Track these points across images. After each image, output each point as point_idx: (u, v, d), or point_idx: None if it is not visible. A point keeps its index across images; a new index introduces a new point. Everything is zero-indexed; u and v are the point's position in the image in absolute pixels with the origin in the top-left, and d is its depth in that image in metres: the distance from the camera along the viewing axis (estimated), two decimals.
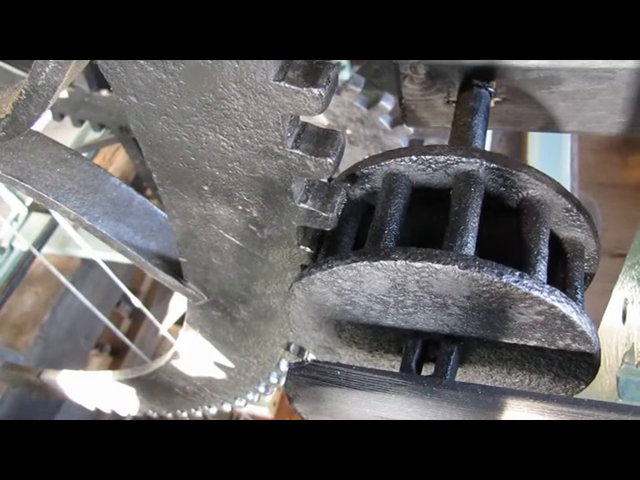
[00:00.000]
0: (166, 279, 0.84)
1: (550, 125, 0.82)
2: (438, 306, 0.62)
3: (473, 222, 0.62)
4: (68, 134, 2.54)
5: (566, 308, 0.58)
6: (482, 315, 0.61)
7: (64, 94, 2.13)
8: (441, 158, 0.65)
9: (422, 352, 0.67)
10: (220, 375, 1.07)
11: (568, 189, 0.66)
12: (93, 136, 2.56)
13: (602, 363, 0.64)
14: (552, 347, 0.63)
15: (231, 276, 0.79)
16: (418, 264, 0.57)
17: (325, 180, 0.62)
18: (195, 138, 0.57)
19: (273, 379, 1.02)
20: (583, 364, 0.65)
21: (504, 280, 0.56)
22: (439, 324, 0.64)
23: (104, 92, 2.05)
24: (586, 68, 0.73)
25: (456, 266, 0.56)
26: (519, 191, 0.66)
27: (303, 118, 0.57)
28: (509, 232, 0.67)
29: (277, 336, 0.90)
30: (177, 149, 0.59)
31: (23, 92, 0.51)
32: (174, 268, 0.83)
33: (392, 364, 0.75)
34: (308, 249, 0.69)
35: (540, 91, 0.78)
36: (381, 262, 0.57)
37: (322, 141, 0.56)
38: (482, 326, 0.63)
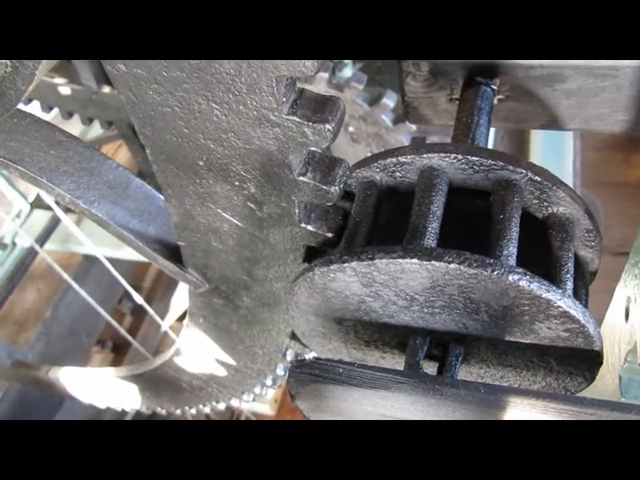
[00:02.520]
0: (165, 265, 0.82)
1: (553, 123, 0.82)
2: (468, 311, 0.61)
3: (516, 232, 0.62)
4: (71, 131, 2.53)
5: (592, 328, 0.59)
6: (508, 324, 0.61)
7: (67, 91, 2.13)
8: (488, 162, 0.64)
9: (429, 350, 0.67)
10: (226, 368, 1.05)
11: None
12: (95, 133, 2.57)
13: (604, 362, 0.64)
14: (561, 361, 0.65)
15: (231, 260, 0.77)
16: (472, 270, 0.56)
17: (325, 150, 0.60)
18: (187, 107, 0.54)
19: (280, 371, 1.00)
20: (579, 378, 0.66)
21: (549, 296, 0.56)
22: (459, 326, 0.64)
23: (106, 89, 2.05)
24: (590, 66, 0.72)
25: (510, 277, 0.56)
26: (550, 206, 0.67)
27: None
28: (528, 243, 0.66)
29: (282, 324, 0.87)
30: (169, 121, 0.57)
31: (8, 64, 0.49)
32: (174, 253, 0.81)
33: (383, 356, 0.74)
34: (310, 227, 0.66)
35: (543, 89, 0.78)
36: (433, 263, 0.56)
37: (320, 107, 0.53)
38: (502, 333, 0.63)
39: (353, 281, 0.62)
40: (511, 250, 0.61)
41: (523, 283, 0.56)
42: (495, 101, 0.79)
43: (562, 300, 0.57)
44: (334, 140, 0.54)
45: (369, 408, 0.59)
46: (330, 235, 0.67)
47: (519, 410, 0.53)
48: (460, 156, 0.64)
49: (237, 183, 0.62)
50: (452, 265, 0.56)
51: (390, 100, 1.67)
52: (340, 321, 0.70)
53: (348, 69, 1.94)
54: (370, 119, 1.72)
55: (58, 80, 2.10)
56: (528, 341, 0.63)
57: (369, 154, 0.71)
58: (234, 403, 1.17)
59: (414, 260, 0.57)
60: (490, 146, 1.09)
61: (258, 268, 0.77)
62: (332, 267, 0.61)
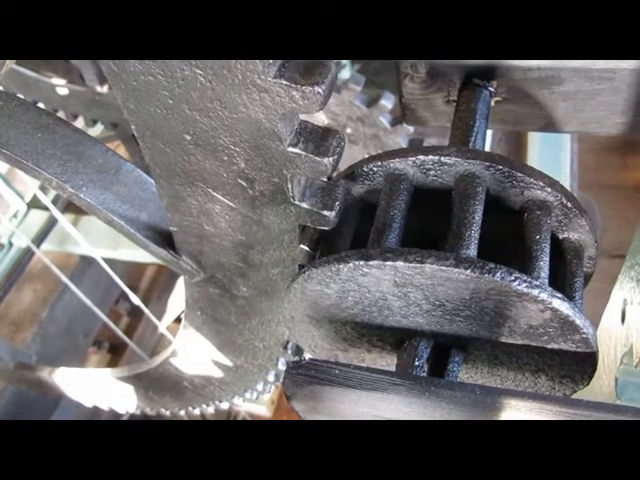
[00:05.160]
0: (158, 252, 0.80)
1: (550, 125, 0.82)
2: (492, 324, 0.61)
3: (548, 254, 0.63)
4: None
5: (597, 355, 0.61)
6: (525, 341, 0.62)
7: (64, 91, 2.13)
8: (529, 179, 0.64)
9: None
10: (227, 365, 1.04)
11: (567, 189, 0.67)
12: (93, 133, 2.57)
13: (600, 364, 0.64)
14: (550, 378, 0.66)
15: (225, 245, 0.74)
16: (520, 289, 0.56)
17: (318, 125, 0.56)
18: (170, 75, 0.52)
19: (281, 366, 0.98)
20: (559, 391, 0.67)
21: (579, 322, 0.58)
22: (472, 335, 0.64)
23: (105, 88, 2.05)
24: (587, 68, 0.73)
25: (554, 301, 0.56)
26: (568, 231, 0.68)
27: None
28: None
29: (281, 314, 0.83)
30: (152, 91, 0.54)
31: None
32: (167, 241, 0.79)
33: (370, 349, 0.73)
34: (305, 205, 0.62)
35: (541, 91, 0.78)
36: (485, 277, 0.56)
37: (310, 70, 0.49)
38: (513, 348, 0.64)
39: (387, 279, 0.60)
40: (547, 272, 0.62)
41: (563, 307, 0.57)
42: (492, 103, 0.79)
43: (587, 328, 0.59)
44: (324, 105, 0.51)
45: (365, 410, 0.59)
46: (326, 213, 0.63)
47: (515, 412, 0.53)
48: (505, 168, 0.63)
49: (226, 158, 0.59)
50: (503, 282, 0.56)
51: (388, 102, 1.67)
52: (344, 312, 0.68)
53: (346, 71, 1.94)
54: (368, 121, 1.73)
55: (57, 80, 2.10)
56: (533, 358, 0.64)
57: (366, 156, 0.71)
58: (237, 402, 1.16)
59: (467, 271, 0.56)
60: (487, 149, 1.09)
61: (253, 253, 0.74)
62: (371, 263, 0.58)
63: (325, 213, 0.63)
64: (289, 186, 0.60)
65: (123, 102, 0.57)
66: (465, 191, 0.64)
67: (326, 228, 0.65)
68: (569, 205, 0.65)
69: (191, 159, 0.61)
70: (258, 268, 0.77)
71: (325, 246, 0.69)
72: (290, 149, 0.55)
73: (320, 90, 0.48)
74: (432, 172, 0.66)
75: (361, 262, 0.59)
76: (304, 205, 0.62)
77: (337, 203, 0.63)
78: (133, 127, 0.60)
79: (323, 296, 0.66)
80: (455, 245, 0.61)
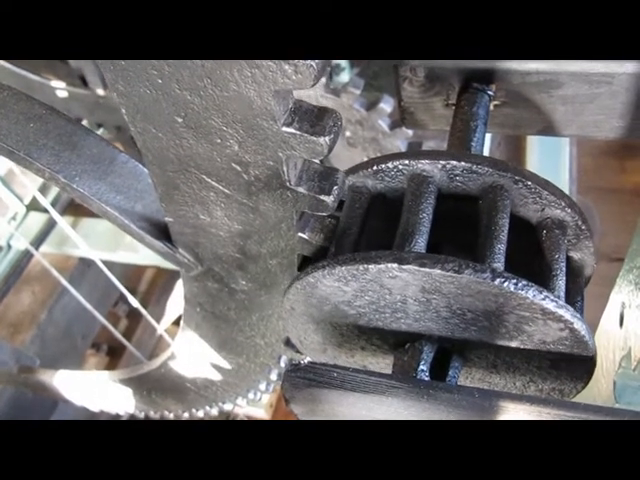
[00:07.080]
0: (154, 244, 0.78)
1: (549, 129, 0.83)
2: (506, 337, 0.61)
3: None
4: None
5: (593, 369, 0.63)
6: (531, 352, 0.62)
7: (63, 93, 2.13)
8: (552, 197, 0.65)
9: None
10: (228, 364, 1.03)
11: (567, 193, 0.67)
12: None
13: (599, 367, 0.64)
14: (540, 390, 0.67)
15: (222, 235, 0.72)
16: (550, 308, 0.57)
17: (313, 104, 0.55)
18: None
19: (283, 364, 0.98)
20: (546, 393, 0.68)
21: (590, 343, 0.59)
22: (480, 344, 0.64)
23: (108, 91, 2.05)
24: (585, 72, 0.73)
25: (575, 322, 0.57)
26: (575, 251, 0.70)
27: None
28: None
29: (281, 308, 0.82)
30: (141, 70, 0.52)
31: None
32: (163, 233, 0.77)
33: (365, 347, 0.72)
34: (301, 189, 0.60)
35: (539, 95, 0.78)
36: (519, 292, 0.56)
37: None
38: (517, 360, 0.64)
39: (415, 284, 0.59)
40: (564, 291, 0.63)
41: (582, 328, 0.58)
42: (491, 107, 0.80)
43: (594, 348, 0.60)
44: (318, 80, 0.49)
45: (363, 412, 0.59)
46: (324, 198, 0.60)
47: (513, 415, 0.53)
48: (533, 185, 0.64)
49: (219, 141, 0.57)
50: (534, 299, 0.56)
51: (387, 105, 1.67)
52: (353, 310, 0.66)
53: (345, 74, 1.94)
54: (367, 124, 1.73)
55: (60, 84, 2.10)
56: (531, 370, 0.65)
57: (365, 159, 0.70)
58: (241, 403, 1.15)
59: (503, 285, 0.56)
60: (486, 153, 1.09)
61: (250, 243, 0.72)
62: (405, 267, 0.57)
63: (323, 198, 0.60)
64: (284, 169, 0.58)
65: (112, 84, 0.55)
66: (494, 203, 0.64)
67: (324, 214, 0.63)
68: (583, 227, 0.67)
69: (183, 143, 0.60)
70: (256, 259, 0.76)
71: (340, 242, 0.68)
72: (284, 129, 0.53)
73: (313, 64, 0.47)
74: (459, 178, 0.65)
75: (394, 265, 0.57)
76: (300, 189, 0.60)
77: (335, 188, 0.60)
78: (124, 111, 0.58)
79: (337, 293, 0.64)
80: (486, 257, 0.61)
